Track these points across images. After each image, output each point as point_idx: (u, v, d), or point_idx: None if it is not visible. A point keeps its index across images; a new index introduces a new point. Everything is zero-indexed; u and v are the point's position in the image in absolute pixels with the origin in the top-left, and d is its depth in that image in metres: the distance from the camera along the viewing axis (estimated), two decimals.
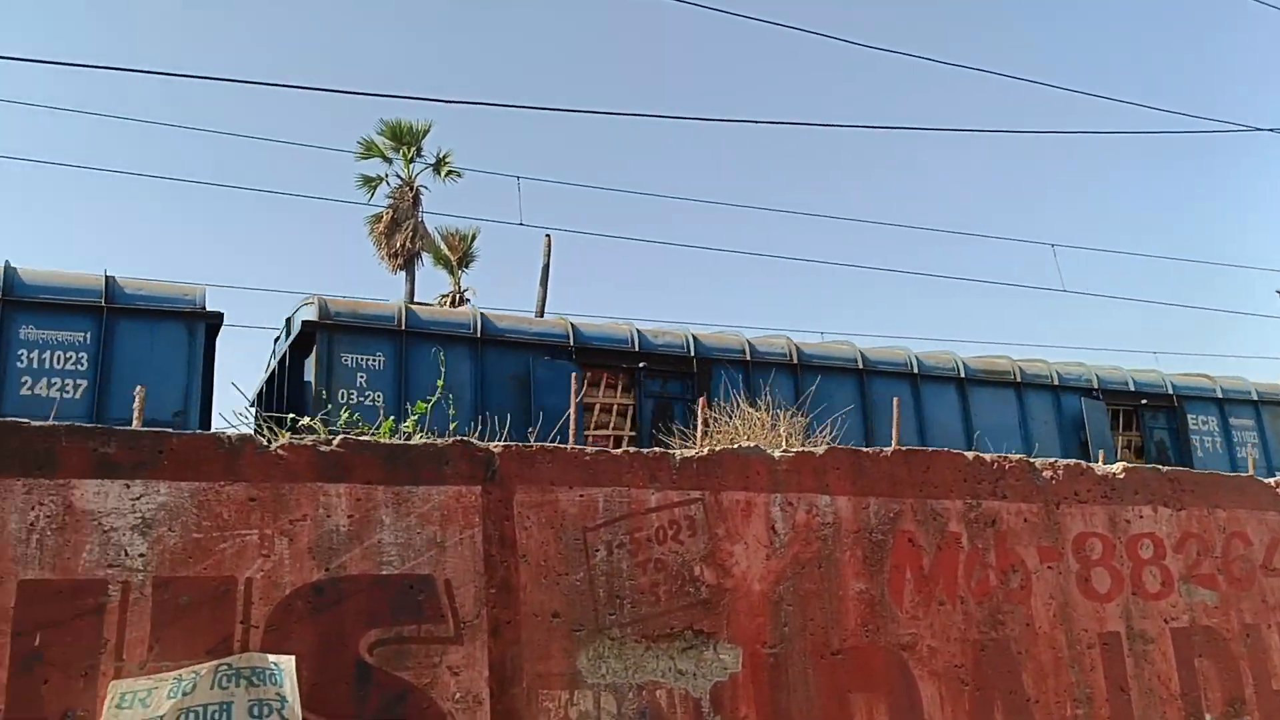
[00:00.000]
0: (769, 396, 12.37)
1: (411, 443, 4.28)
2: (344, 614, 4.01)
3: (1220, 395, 16.68)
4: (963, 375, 14.81)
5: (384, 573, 4.11)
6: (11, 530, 3.65)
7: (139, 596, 3.75)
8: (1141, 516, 5.84)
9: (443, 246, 24.24)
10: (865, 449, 5.27)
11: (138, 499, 3.83)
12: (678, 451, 4.82)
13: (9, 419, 3.79)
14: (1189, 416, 16.39)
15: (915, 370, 14.53)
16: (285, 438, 4.19)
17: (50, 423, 3.86)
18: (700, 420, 9.33)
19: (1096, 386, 15.85)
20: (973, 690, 5.09)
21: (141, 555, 3.78)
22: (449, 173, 23.49)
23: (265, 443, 4.09)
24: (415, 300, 22.31)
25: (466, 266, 24.71)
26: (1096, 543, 5.67)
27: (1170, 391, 16.49)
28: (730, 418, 10.09)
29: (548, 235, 22.36)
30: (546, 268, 22.05)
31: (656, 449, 4.78)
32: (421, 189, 23.24)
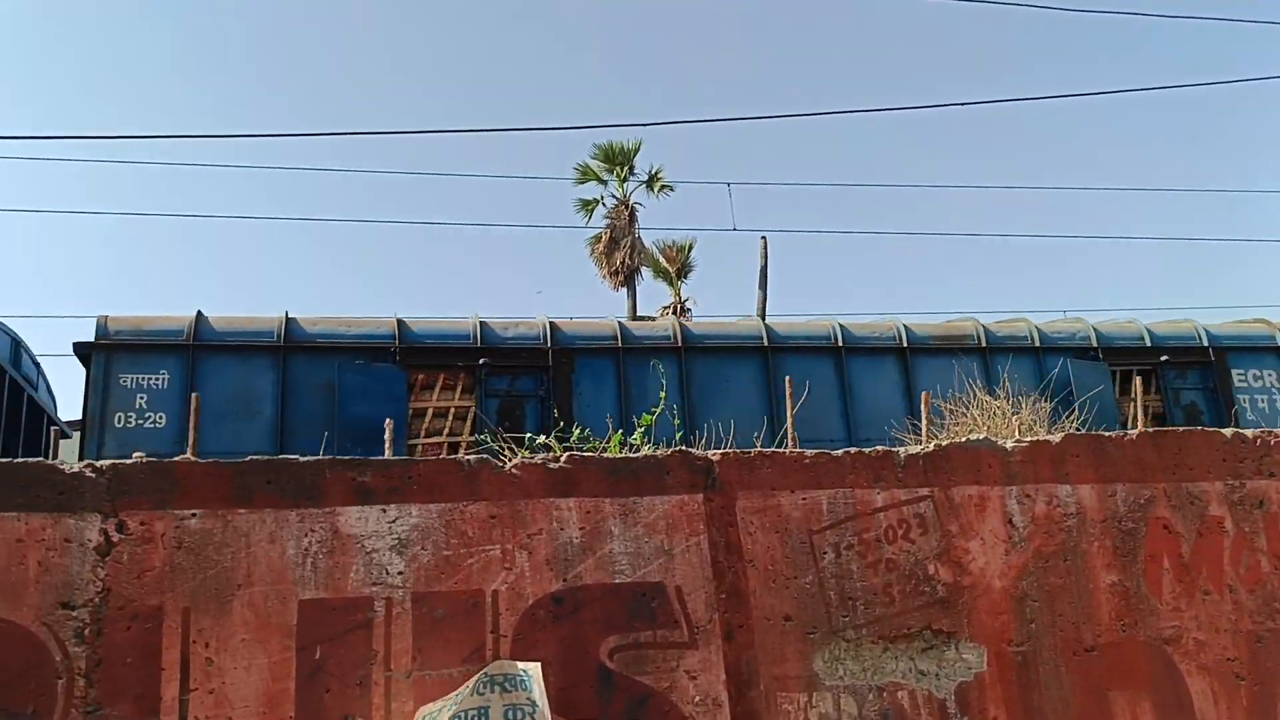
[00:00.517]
0: (641, 386, 11.20)
1: (633, 456, 4.43)
2: (583, 622, 4.20)
3: None
4: (905, 344, 12.77)
5: (617, 581, 4.27)
6: (290, 556, 4.07)
7: (400, 611, 4.09)
8: None
9: (661, 259, 24.78)
10: (1108, 434, 4.95)
11: (393, 521, 4.18)
12: (902, 449, 4.71)
13: (281, 456, 4.24)
14: (1233, 372, 13.73)
15: (840, 343, 12.63)
16: (520, 457, 4.45)
17: (316, 457, 4.28)
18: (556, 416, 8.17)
19: (1095, 345, 13.50)
20: (1250, 685, 4.67)
21: (400, 573, 4.12)
22: (661, 187, 24.05)
23: (500, 464, 4.35)
24: (637, 315, 22.87)
25: (685, 277, 25.14)
26: None
27: (1205, 343, 13.90)
28: (966, 409, 9.67)
29: (763, 238, 22.31)
30: (764, 270, 22.01)
31: (880, 448, 4.69)
32: (636, 206, 23.93)
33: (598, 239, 23.83)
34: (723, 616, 4.32)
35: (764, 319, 20.93)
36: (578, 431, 5.49)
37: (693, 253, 25.46)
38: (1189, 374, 13.83)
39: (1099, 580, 4.70)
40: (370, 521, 4.18)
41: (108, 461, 4.09)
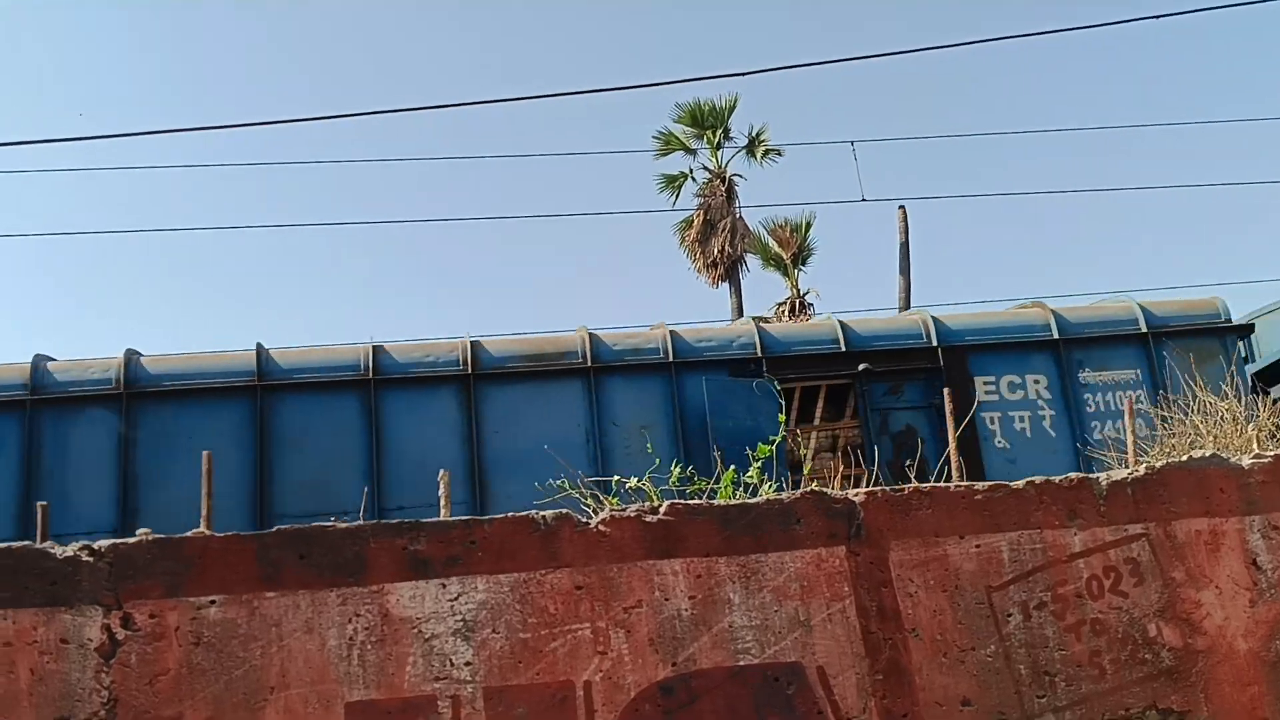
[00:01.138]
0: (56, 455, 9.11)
1: (751, 501, 4.18)
2: (701, 716, 3.98)
3: (1056, 335, 11.27)
4: (469, 369, 10.77)
5: (741, 663, 4.01)
6: (331, 648, 3.92)
7: (471, 712, 3.89)
8: None
9: (771, 243, 23.84)
10: None
11: (455, 599, 4.01)
12: (1103, 475, 4.39)
13: (315, 524, 4.14)
14: (977, 380, 11.18)
15: (371, 373, 10.63)
16: (608, 509, 4.26)
17: (356, 523, 4.16)
18: None
19: (758, 355, 11.17)
20: None
21: (468, 664, 3.94)
22: (766, 153, 23.18)
23: (584, 520, 4.16)
24: (743, 316, 22.39)
25: (803, 264, 24.09)
26: None
27: (933, 343, 11.29)
28: (1186, 414, 8.91)
29: (901, 208, 21.28)
30: (905, 247, 21.07)
31: (1075, 474, 4.37)
32: (735, 179, 23.14)
33: (688, 223, 22.03)
34: (880, 703, 3.97)
35: (909, 307, 20.24)
36: (677, 471, 5.25)
37: (811, 232, 24.64)
38: (904, 388, 11.44)
39: None
40: (428, 600, 4.00)
41: (107, 542, 4.01)
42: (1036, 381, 11.33)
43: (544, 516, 4.04)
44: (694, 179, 23.59)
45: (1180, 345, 10.71)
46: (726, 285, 22.81)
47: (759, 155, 23.38)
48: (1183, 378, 8.23)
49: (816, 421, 11.85)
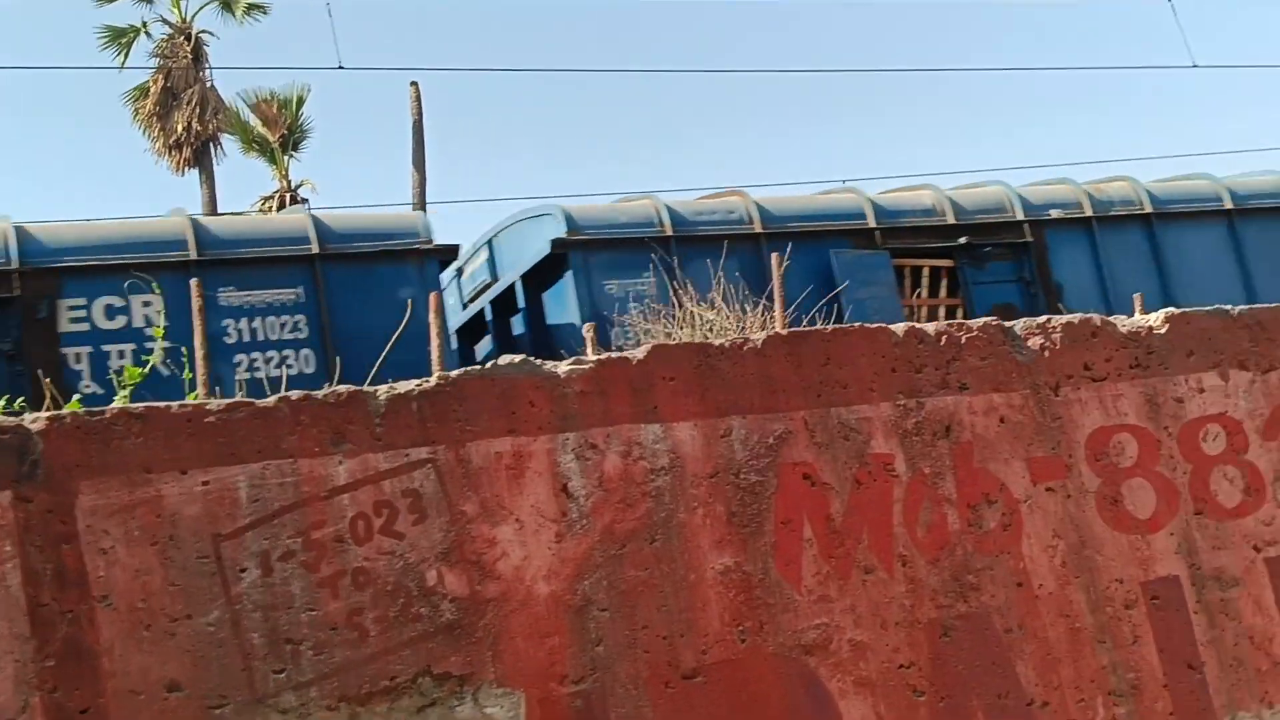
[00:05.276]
0: None
1: None
2: None
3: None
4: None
5: None
6: None
7: None
8: (1202, 390, 5.21)
9: (254, 122, 23.08)
10: (716, 343, 4.62)
11: None
12: (383, 389, 4.17)
13: None
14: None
15: None
16: None
17: None
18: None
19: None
20: (933, 700, 4.50)
21: None
22: (249, 9, 22.34)
23: None
24: (222, 211, 21.30)
25: (296, 149, 23.48)
26: (1128, 440, 5.07)
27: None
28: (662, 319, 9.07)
29: (414, 84, 21.05)
30: (419, 127, 20.85)
31: (345, 387, 4.13)
32: (204, 37, 22.11)
33: (143, 91, 21.61)
34: (49, 698, 3.58)
35: (424, 203, 19.97)
36: None
37: (305, 110, 23.79)
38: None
39: (705, 566, 4.33)
40: None
41: None
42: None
43: None
44: (149, 35, 22.05)
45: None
46: (196, 171, 21.55)
47: (238, 11, 22.09)
48: None
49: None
